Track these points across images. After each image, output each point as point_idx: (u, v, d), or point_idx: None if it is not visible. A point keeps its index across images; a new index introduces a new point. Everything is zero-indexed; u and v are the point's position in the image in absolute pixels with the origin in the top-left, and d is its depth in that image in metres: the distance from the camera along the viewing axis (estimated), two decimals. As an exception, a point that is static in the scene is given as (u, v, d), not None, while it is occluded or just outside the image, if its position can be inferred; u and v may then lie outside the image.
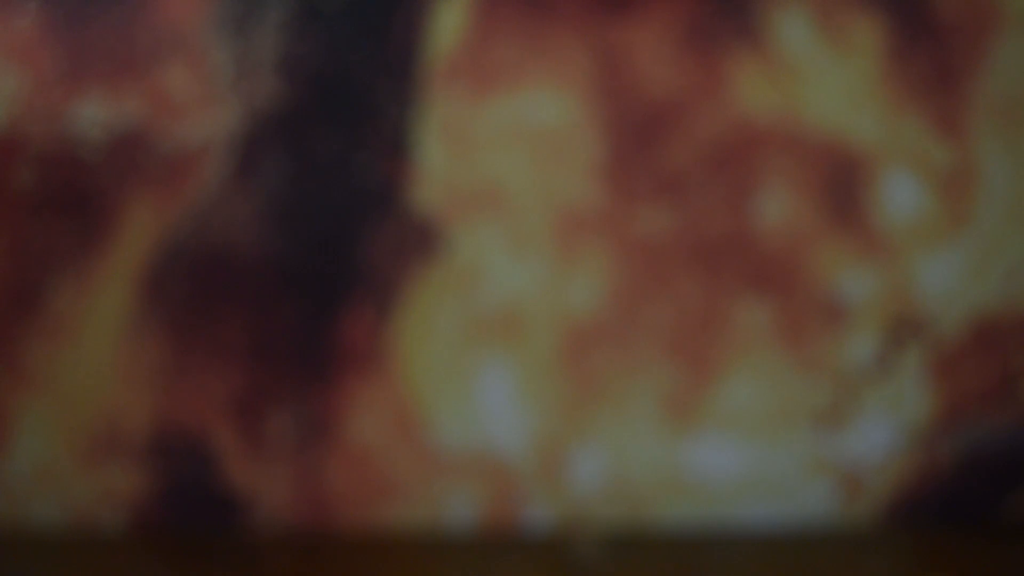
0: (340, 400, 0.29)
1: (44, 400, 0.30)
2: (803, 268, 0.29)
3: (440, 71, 0.29)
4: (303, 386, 0.29)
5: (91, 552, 0.29)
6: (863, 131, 0.29)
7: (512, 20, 0.29)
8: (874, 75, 0.29)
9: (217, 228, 0.29)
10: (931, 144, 0.30)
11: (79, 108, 0.29)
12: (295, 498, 0.30)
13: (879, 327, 0.30)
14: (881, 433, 0.30)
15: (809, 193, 0.29)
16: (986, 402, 0.30)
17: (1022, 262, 0.30)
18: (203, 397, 0.29)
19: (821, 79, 0.29)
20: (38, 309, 0.29)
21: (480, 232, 0.29)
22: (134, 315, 0.29)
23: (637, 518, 0.30)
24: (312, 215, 0.29)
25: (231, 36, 0.29)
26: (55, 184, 0.29)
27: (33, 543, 0.29)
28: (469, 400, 0.29)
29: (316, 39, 0.29)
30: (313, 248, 0.29)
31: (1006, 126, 0.30)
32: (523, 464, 0.30)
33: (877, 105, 0.29)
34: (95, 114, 0.29)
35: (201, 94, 0.29)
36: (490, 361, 0.29)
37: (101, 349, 0.29)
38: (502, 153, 0.29)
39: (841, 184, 0.29)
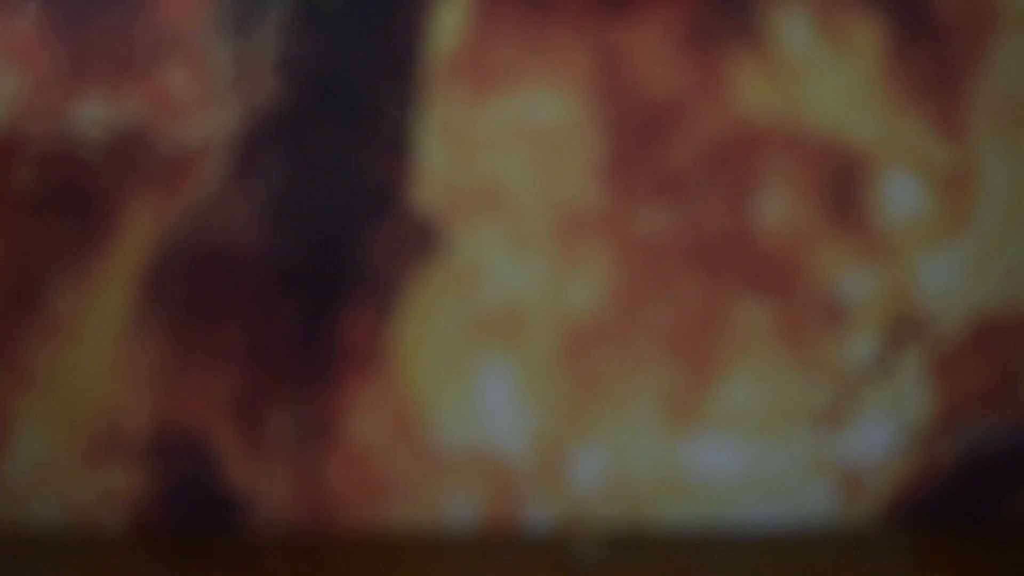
0: (340, 400, 0.29)
1: (44, 400, 0.30)
2: (803, 268, 0.29)
3: (440, 71, 0.29)
4: (303, 386, 0.29)
5: (91, 552, 0.29)
6: (863, 131, 0.29)
7: (512, 20, 0.29)
8: (874, 75, 0.29)
9: (217, 228, 0.29)
10: (931, 144, 0.30)
11: (79, 108, 0.29)
12: (295, 498, 0.30)
13: (879, 327, 0.30)
14: (881, 433, 0.30)
15: (809, 193, 0.29)
16: (986, 402, 0.30)
17: (1022, 262, 0.30)
18: (203, 397, 0.29)
19: (821, 79, 0.29)
20: (38, 309, 0.29)
21: (480, 232, 0.29)
22: (134, 315, 0.29)
23: (637, 518, 0.30)
24: (312, 215, 0.29)
25: (231, 36, 0.29)
26: (55, 184, 0.29)
27: (33, 543, 0.29)
28: (469, 400, 0.29)
29: (316, 39, 0.29)
30: (313, 248, 0.29)
31: (1006, 126, 0.30)
32: (523, 464, 0.30)
33: (877, 105, 0.29)
34: (95, 114, 0.29)
35: (201, 94, 0.29)
36: (490, 361, 0.29)
37: (101, 349, 0.29)
38: (502, 153, 0.29)
39: (841, 184, 0.29)
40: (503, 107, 0.29)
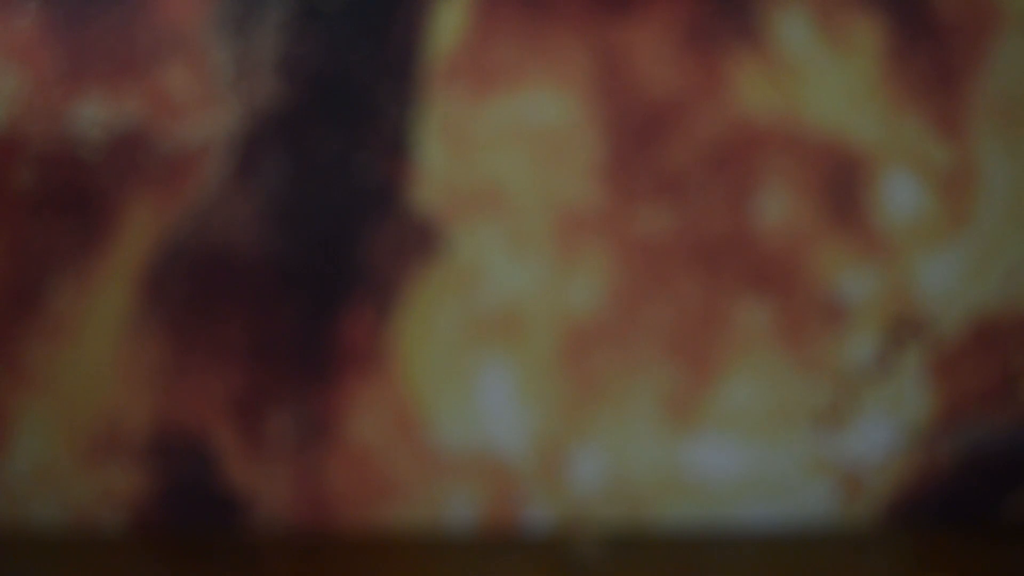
0: (340, 400, 0.29)
1: (44, 400, 0.30)
2: (803, 268, 0.29)
3: (440, 71, 0.29)
4: (303, 386, 0.29)
5: (91, 552, 0.29)
6: (863, 131, 0.29)
7: (512, 20, 0.29)
8: (874, 75, 0.29)
9: (217, 228, 0.29)
10: (931, 144, 0.30)
11: (79, 108, 0.29)
12: (295, 498, 0.30)
13: (879, 327, 0.30)
14: (881, 433, 0.30)
15: (809, 193, 0.29)
16: (986, 402, 0.30)
17: (1022, 262, 0.30)
18: (203, 397, 0.29)
19: (821, 79, 0.29)
20: (38, 309, 0.29)
21: (480, 232, 0.29)
22: (134, 315, 0.29)
23: (637, 518, 0.30)
24: (312, 215, 0.29)
25: (231, 36, 0.29)
26: (55, 184, 0.29)
27: (33, 543, 0.29)
28: (469, 400, 0.29)
29: (316, 39, 0.29)
30: (313, 248, 0.29)
31: (1006, 126, 0.30)
32: (523, 464, 0.30)
33: (877, 105, 0.29)
34: (95, 114, 0.29)
35: (201, 94, 0.29)
36: (490, 361, 0.29)
37: (101, 349, 0.29)
38: (502, 153, 0.29)
39: (841, 184, 0.29)
40: (503, 107, 0.29)
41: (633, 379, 0.29)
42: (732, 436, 0.30)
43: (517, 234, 0.29)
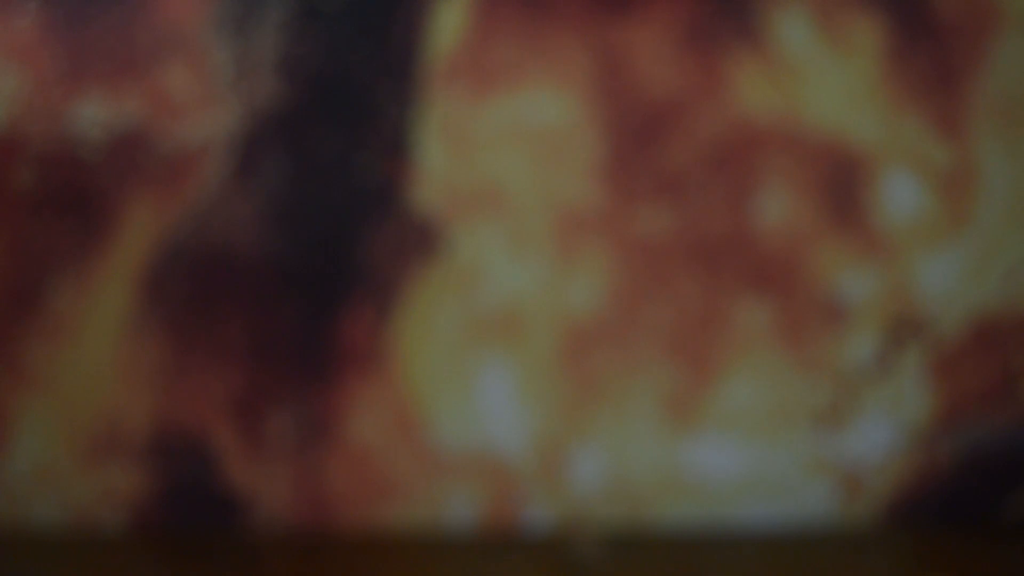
0: (340, 400, 0.29)
1: (44, 400, 0.30)
2: (803, 268, 0.29)
3: (440, 71, 0.29)
4: (303, 386, 0.29)
5: (91, 552, 0.29)
6: (863, 131, 0.29)
7: (512, 20, 0.29)
8: (874, 75, 0.29)
9: (217, 228, 0.29)
10: (931, 144, 0.30)
11: (79, 108, 0.29)
12: (295, 498, 0.30)
13: (879, 327, 0.30)
14: (881, 433, 0.30)
15: (809, 193, 0.29)
16: (986, 402, 0.30)
17: (1022, 262, 0.30)
18: (203, 397, 0.29)
19: (821, 79, 0.29)
20: (38, 309, 0.29)
21: (480, 232, 0.29)
22: (134, 315, 0.29)
23: (637, 518, 0.30)
24: (312, 215, 0.29)
25: (231, 36, 0.29)
26: (55, 184, 0.29)
27: (33, 543, 0.29)
28: (469, 400, 0.29)
29: (316, 39, 0.29)
30: (313, 248, 0.29)
31: (1006, 126, 0.30)
32: (523, 464, 0.30)
33: (877, 105, 0.29)
34: (95, 114, 0.29)
35: (201, 94, 0.29)
36: (490, 361, 0.29)
37: (101, 349, 0.29)
38: (502, 153, 0.29)
39: (841, 184, 0.29)
40: (503, 107, 0.29)
41: (633, 379, 0.29)
42: (732, 436, 0.30)
43: (517, 234, 0.29)
